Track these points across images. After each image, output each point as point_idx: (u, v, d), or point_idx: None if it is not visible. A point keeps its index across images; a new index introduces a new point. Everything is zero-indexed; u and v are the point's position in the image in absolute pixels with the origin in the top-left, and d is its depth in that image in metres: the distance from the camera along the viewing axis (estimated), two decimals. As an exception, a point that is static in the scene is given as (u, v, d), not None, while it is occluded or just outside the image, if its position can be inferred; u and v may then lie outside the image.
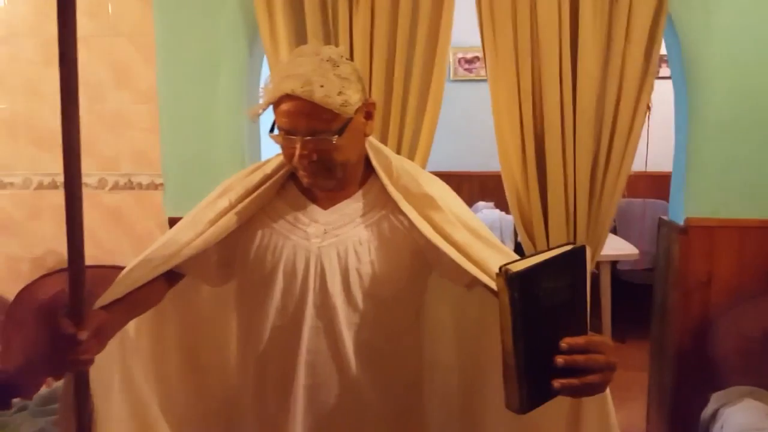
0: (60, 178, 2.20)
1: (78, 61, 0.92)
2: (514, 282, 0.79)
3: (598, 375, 0.85)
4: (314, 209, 1.17)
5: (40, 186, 2.23)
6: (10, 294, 2.22)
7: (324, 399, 1.14)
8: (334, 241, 1.14)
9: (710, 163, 2.02)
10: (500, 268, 0.81)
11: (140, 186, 2.19)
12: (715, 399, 1.90)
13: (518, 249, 3.04)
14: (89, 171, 2.19)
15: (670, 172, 2.21)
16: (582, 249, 0.86)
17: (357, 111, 1.07)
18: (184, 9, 2.08)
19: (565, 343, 0.84)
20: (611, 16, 1.94)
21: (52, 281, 2.13)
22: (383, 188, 1.16)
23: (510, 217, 3.14)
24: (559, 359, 0.83)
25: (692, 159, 2.04)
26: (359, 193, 1.18)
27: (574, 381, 0.84)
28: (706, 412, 1.89)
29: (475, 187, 4.20)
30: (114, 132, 2.18)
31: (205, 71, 2.11)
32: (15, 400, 1.97)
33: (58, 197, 2.21)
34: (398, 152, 2.02)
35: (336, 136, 1.04)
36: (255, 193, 1.16)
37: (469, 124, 3.99)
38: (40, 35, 2.16)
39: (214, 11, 2.07)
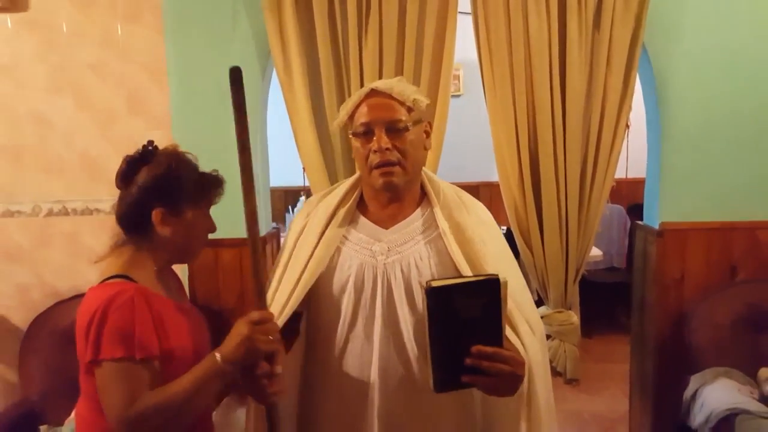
0: (69, 204, 2.23)
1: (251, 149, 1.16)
2: (431, 294, 1.01)
3: (500, 380, 1.06)
4: (377, 230, 1.31)
5: (50, 213, 2.23)
6: (21, 322, 2.21)
7: (395, 401, 1.26)
8: (398, 258, 1.27)
9: (680, 172, 2.27)
10: (426, 282, 1.04)
11: (155, 210, 2.23)
12: (694, 381, 2.11)
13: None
14: (101, 197, 2.22)
15: (630, 179, 2.44)
16: (495, 280, 1.03)
17: (423, 121, 1.29)
18: (196, 36, 2.14)
19: (475, 349, 1.03)
20: (593, 46, 2.16)
21: (68, 308, 2.14)
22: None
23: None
24: (468, 360, 1.04)
25: (664, 169, 2.28)
26: (417, 213, 1.32)
27: (478, 379, 1.05)
28: (687, 392, 2.10)
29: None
30: None
31: (217, 97, 2.17)
32: (42, 427, 1.97)
33: (67, 224, 2.24)
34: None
35: (411, 126, 1.24)
36: (337, 216, 1.32)
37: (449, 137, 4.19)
38: (46, 63, 2.17)
39: (225, 38, 2.15)
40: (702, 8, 2.18)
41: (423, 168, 1.34)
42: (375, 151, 1.23)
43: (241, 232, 2.15)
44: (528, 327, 1.25)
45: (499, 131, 2.21)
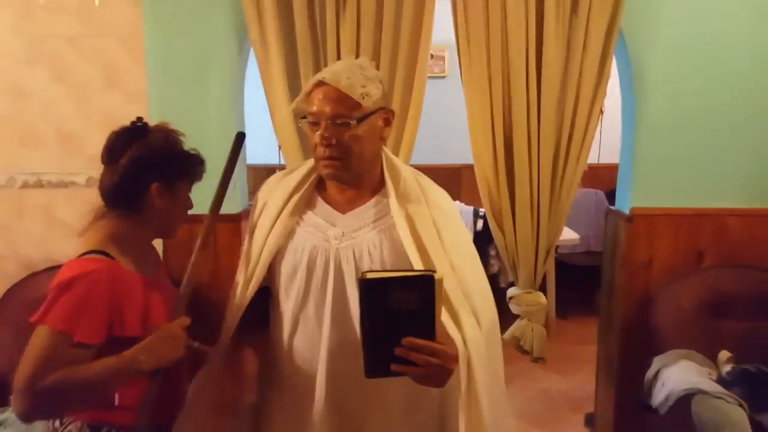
0: (44, 177, 2.23)
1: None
2: (363, 286, 1.04)
3: (429, 371, 1.08)
4: (333, 214, 1.31)
5: (25, 185, 2.23)
6: (-5, 293, 2.23)
7: (343, 382, 1.26)
8: (351, 243, 1.27)
9: (652, 159, 2.31)
10: (361, 273, 1.08)
11: (131, 184, 2.24)
12: (656, 362, 2.17)
13: (477, 237, 3.31)
14: (78, 170, 2.22)
15: (603, 165, 2.47)
16: (429, 277, 1.05)
17: (377, 112, 1.24)
18: (174, 10, 2.13)
19: (406, 341, 1.05)
20: (570, 30, 2.18)
21: (40, 280, 2.16)
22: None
23: (469, 208, 3.38)
24: (397, 350, 1.06)
25: (637, 156, 2.32)
26: (373, 200, 1.31)
27: (407, 369, 1.07)
28: (649, 373, 2.16)
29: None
30: (103, 132, 2.14)
31: (195, 72, 2.18)
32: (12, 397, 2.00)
33: (43, 196, 2.25)
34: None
35: (354, 122, 1.20)
36: (290, 204, 1.33)
37: (423, 120, 4.21)
38: (23, 35, 2.15)
39: (203, 13, 2.14)
40: (681, -2, 2.20)
41: (385, 153, 1.32)
42: (319, 144, 1.23)
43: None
44: (474, 320, 1.24)
45: (475, 113, 2.23)
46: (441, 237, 1.28)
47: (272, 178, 1.43)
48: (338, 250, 1.27)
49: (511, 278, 2.43)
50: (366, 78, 1.23)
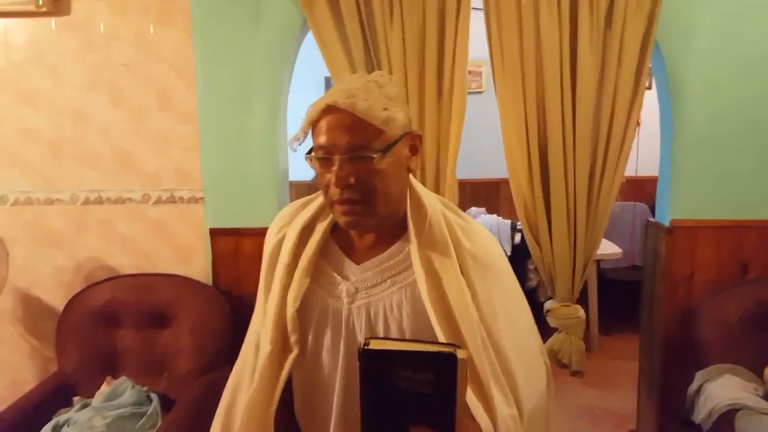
0: (104, 194, 2.40)
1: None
2: (363, 358, 0.87)
3: None
4: (347, 264, 1.07)
5: (86, 201, 2.39)
6: (58, 302, 2.39)
7: None
8: (365, 303, 1.04)
9: (691, 170, 2.29)
10: (364, 340, 0.90)
11: (182, 200, 2.38)
12: (699, 376, 2.13)
13: (515, 251, 3.32)
14: (134, 187, 2.38)
15: (647, 177, 2.45)
16: (449, 355, 0.85)
17: (402, 139, 0.99)
18: (221, 38, 2.27)
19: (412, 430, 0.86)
20: (605, 43, 2.20)
21: (101, 289, 2.31)
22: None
23: (507, 222, 3.39)
24: None
25: (676, 167, 2.31)
26: (395, 247, 1.06)
27: None
28: (692, 388, 2.12)
29: (467, 193, 4.48)
30: (157, 151, 2.36)
31: (241, 94, 2.30)
32: (75, 398, 2.14)
33: (102, 212, 2.41)
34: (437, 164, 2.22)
35: (378, 155, 0.95)
36: (303, 261, 1.08)
37: (464, 134, 4.28)
38: (84, 63, 2.33)
39: (248, 40, 2.26)
40: (717, 7, 2.20)
41: (411, 186, 1.06)
42: (334, 185, 0.97)
43: (259, 222, 2.29)
44: (511, 399, 1.02)
45: (509, 127, 2.27)
46: (477, 297, 1.02)
47: (285, 211, 1.17)
48: (351, 311, 1.05)
49: (549, 291, 2.44)
50: (387, 98, 0.98)
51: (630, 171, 2.45)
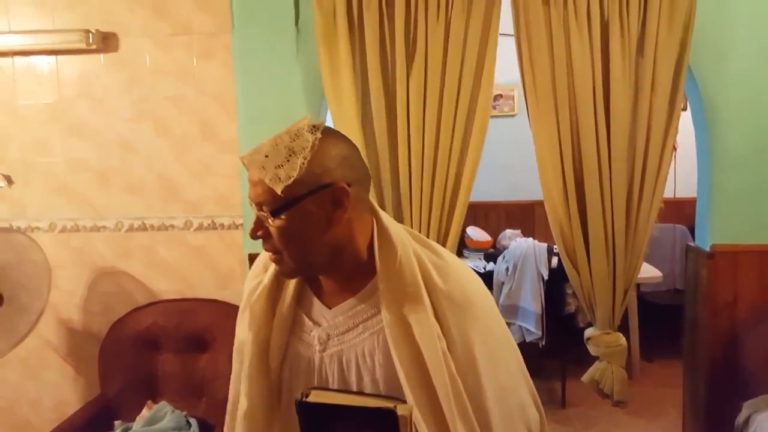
0: (148, 221, 2.48)
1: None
2: (299, 408, 0.87)
3: None
4: (319, 308, 1.03)
5: (130, 229, 2.48)
6: (101, 326, 2.46)
7: None
8: (337, 351, 0.99)
9: (730, 194, 2.25)
10: (303, 391, 0.89)
11: (222, 226, 2.44)
12: (747, 407, 2.07)
13: (552, 274, 3.28)
14: (176, 214, 2.46)
15: (686, 199, 2.41)
16: (390, 412, 0.82)
17: (309, 195, 0.91)
18: (261, 70, 2.34)
19: None
20: (638, 69, 2.19)
21: (143, 314, 2.38)
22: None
23: (543, 245, 3.36)
24: None
25: (714, 191, 2.27)
26: (367, 289, 0.99)
27: None
28: (740, 419, 2.06)
29: (502, 215, 4.47)
30: (199, 179, 2.44)
31: (280, 123, 2.31)
32: (117, 422, 2.19)
33: (145, 238, 2.49)
34: (445, 187, 2.23)
35: (270, 211, 0.91)
36: (283, 312, 1.04)
37: (494, 157, 4.29)
38: (131, 96, 2.44)
39: (286, 73, 2.34)
40: (749, 31, 2.19)
41: (378, 226, 0.99)
42: None
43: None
44: None
45: (544, 151, 2.27)
46: (453, 345, 0.94)
47: (263, 256, 1.11)
48: (323, 359, 1.00)
49: (588, 318, 2.41)
50: (290, 150, 0.92)
51: (668, 192, 2.41)
